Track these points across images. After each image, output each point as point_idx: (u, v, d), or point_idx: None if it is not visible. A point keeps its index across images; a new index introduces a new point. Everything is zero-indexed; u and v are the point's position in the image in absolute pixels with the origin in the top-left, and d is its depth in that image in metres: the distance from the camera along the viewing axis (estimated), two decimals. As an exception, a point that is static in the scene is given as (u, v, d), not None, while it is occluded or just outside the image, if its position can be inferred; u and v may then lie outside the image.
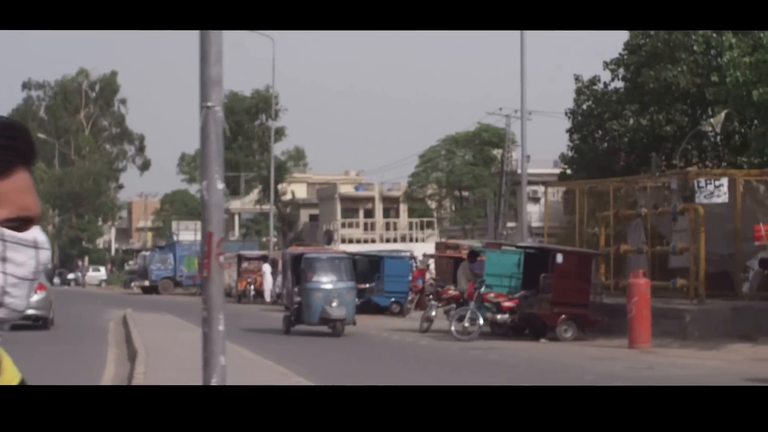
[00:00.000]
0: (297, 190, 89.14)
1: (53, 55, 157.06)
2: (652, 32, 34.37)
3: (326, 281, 28.46)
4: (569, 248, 28.44)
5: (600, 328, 27.19)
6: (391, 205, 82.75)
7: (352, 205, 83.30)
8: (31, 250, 1.89)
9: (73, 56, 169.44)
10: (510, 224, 63.00)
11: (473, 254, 30.13)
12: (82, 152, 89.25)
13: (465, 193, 70.77)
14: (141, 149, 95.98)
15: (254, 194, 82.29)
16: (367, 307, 37.97)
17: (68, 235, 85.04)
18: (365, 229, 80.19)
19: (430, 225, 77.43)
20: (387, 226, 79.53)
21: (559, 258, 26.81)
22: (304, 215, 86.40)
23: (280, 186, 79.80)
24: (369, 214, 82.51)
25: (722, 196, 26.03)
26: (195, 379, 9.39)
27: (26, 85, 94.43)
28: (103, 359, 22.04)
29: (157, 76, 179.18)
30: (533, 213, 60.89)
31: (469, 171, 68.11)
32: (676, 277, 27.39)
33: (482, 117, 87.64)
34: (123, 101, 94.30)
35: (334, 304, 27.83)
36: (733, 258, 28.35)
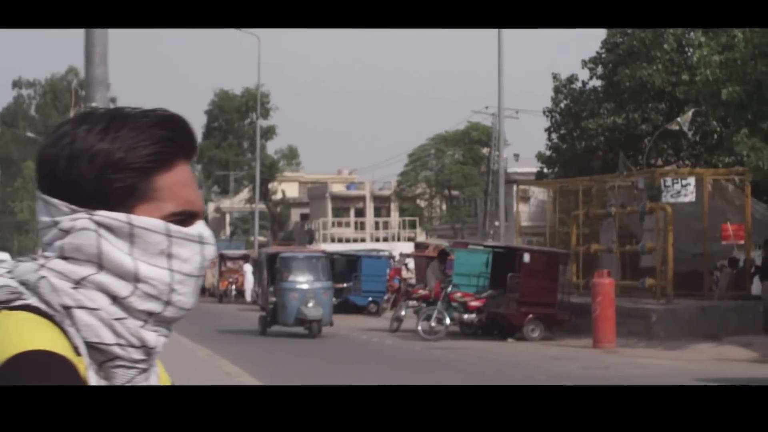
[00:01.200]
0: (289, 189, 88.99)
1: (44, 54, 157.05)
2: (629, 30, 34.26)
3: (302, 281, 27.89)
4: (536, 248, 28.36)
5: (569, 328, 27.12)
6: (382, 204, 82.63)
7: (343, 204, 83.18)
8: (197, 245, 1.81)
9: (63, 55, 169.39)
10: (498, 223, 62.90)
11: (443, 254, 30.03)
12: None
13: (455, 192, 70.67)
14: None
15: (244, 193, 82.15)
16: (344, 306, 37.90)
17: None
18: (356, 228, 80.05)
19: (413, 225, 77.24)
20: (377, 225, 79.35)
21: (526, 258, 26.72)
22: (295, 214, 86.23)
23: (270, 185, 79.71)
24: (360, 213, 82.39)
25: (689, 195, 25.90)
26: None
27: (17, 84, 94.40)
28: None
29: (149, 74, 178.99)
30: (523, 212, 60.82)
31: (458, 170, 68.03)
32: (646, 277, 27.27)
33: (471, 115, 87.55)
34: (113, 100, 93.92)
35: (310, 304, 27.26)
36: (702, 257, 28.24)
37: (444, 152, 69.66)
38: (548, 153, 37.92)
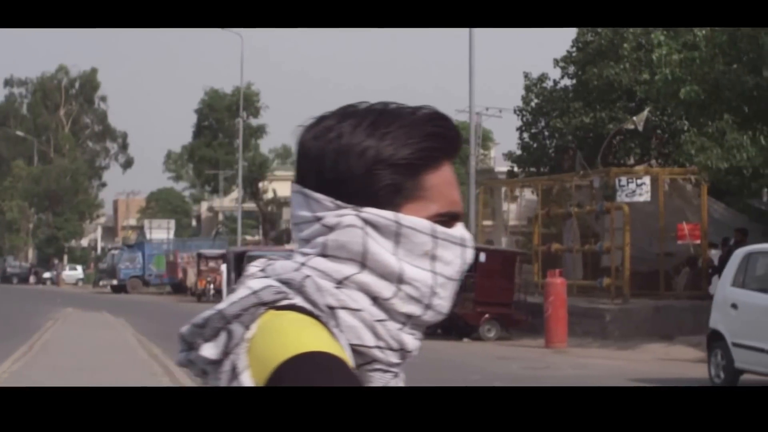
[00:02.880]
0: (283, 188, 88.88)
1: (34, 52, 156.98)
2: (599, 29, 34.18)
3: None
4: (492, 247, 28.28)
5: (526, 328, 27.04)
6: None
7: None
8: (459, 248, 1.76)
9: (55, 53, 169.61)
10: (487, 222, 62.83)
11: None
12: (62, 150, 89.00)
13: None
14: (124, 147, 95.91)
15: (235, 192, 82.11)
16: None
17: (45, 233, 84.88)
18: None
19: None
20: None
21: (482, 257, 26.61)
22: (287, 213, 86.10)
23: (261, 184, 79.63)
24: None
25: (644, 195, 25.83)
26: (65, 380, 9.23)
27: (8, 82, 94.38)
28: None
29: (141, 73, 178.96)
30: (512, 211, 60.71)
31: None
32: (603, 276, 27.21)
33: (454, 114, 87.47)
34: (103, 98, 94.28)
35: None
36: (666, 257, 28.17)
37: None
38: (518, 152, 37.83)
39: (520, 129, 37.66)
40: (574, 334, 26.04)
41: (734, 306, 17.04)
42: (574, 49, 36.18)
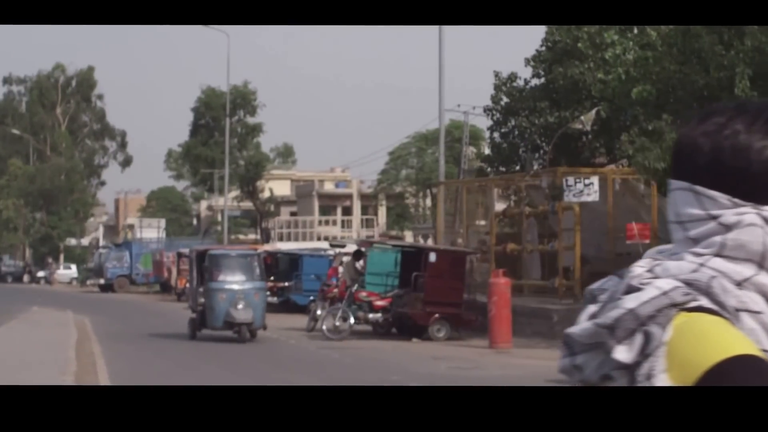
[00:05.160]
0: (281, 187, 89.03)
1: (32, 50, 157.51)
2: (566, 28, 34.07)
3: (232, 281, 26.01)
4: (442, 247, 28.23)
5: (476, 327, 26.93)
6: (369, 203, 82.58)
7: (330, 203, 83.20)
8: None
9: (51, 51, 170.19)
10: (480, 222, 62.74)
11: (358, 253, 29.89)
12: (59, 148, 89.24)
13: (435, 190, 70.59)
14: (123, 145, 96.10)
15: (232, 192, 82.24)
16: (286, 306, 37.89)
17: (39, 232, 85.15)
18: (343, 226, 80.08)
19: (398, 222, 77.19)
20: (363, 223, 79.40)
21: (432, 257, 26.58)
22: (284, 212, 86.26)
23: (258, 183, 79.76)
24: (347, 211, 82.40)
25: (592, 195, 25.76)
26: None
27: (7, 81, 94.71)
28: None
29: (140, 71, 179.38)
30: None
31: (438, 168, 67.81)
32: (554, 277, 27.15)
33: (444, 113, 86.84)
34: (100, 97, 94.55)
35: (240, 306, 25.44)
36: (623, 256, 28.06)
37: (425, 150, 69.50)
38: (487, 152, 37.78)
39: (490, 128, 37.61)
40: (523, 334, 25.98)
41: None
42: (544, 48, 36.10)
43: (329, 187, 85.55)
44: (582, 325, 1.70)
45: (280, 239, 74.50)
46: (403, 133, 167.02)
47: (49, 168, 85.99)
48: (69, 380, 16.52)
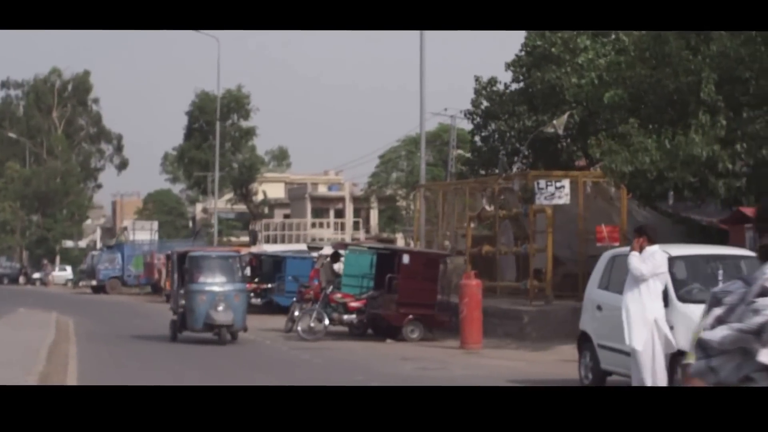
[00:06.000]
0: (276, 189, 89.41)
1: (30, 54, 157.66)
2: (541, 33, 34.42)
3: (212, 283, 26.06)
4: (416, 249, 28.59)
5: (450, 328, 27.28)
6: (362, 206, 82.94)
7: (323, 205, 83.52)
8: None
9: (48, 56, 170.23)
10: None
11: (335, 255, 30.28)
12: (55, 152, 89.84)
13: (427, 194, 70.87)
14: (119, 149, 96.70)
15: (228, 194, 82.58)
16: (269, 307, 38.25)
17: (35, 234, 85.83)
18: (336, 229, 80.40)
19: (389, 224, 77.47)
20: (356, 226, 79.75)
21: (406, 259, 26.97)
22: (278, 215, 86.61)
23: (251, 186, 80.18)
24: (340, 214, 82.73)
25: (563, 198, 26.10)
26: None
27: (5, 84, 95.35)
28: None
29: (138, 75, 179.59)
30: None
31: (428, 171, 68.16)
32: (526, 279, 27.49)
33: (430, 117, 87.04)
34: (96, 100, 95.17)
35: (220, 308, 25.51)
36: (595, 258, 28.36)
37: (414, 153, 69.81)
38: (468, 155, 38.13)
39: (471, 132, 37.95)
40: (494, 335, 26.34)
41: (599, 308, 17.31)
42: (523, 53, 36.44)
43: (323, 190, 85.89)
44: (721, 331, 1.61)
45: (274, 241, 74.95)
46: (398, 136, 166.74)
47: (44, 171, 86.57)
48: (32, 380, 16.80)
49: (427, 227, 35.55)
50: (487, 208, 29.25)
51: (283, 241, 74.59)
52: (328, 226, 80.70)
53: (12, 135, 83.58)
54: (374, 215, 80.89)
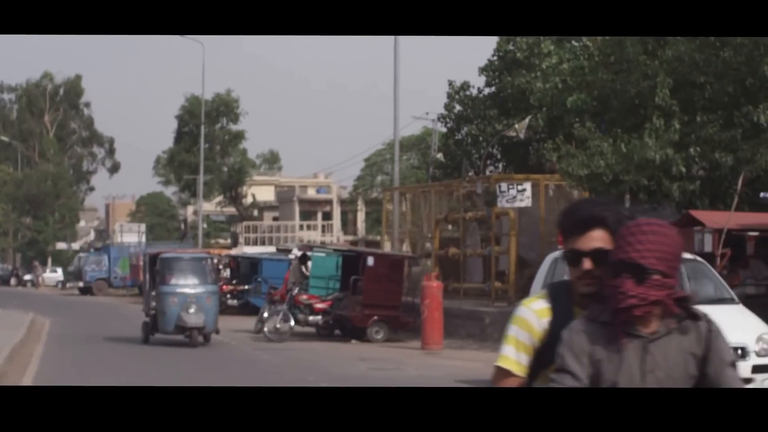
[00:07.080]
0: (265, 192, 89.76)
1: (22, 59, 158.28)
2: (506, 38, 34.83)
3: (183, 285, 25.98)
4: (380, 251, 28.97)
5: (414, 329, 27.65)
6: (349, 208, 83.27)
7: (311, 208, 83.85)
8: None
9: (39, 60, 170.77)
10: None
11: (304, 256, 30.66)
12: (47, 155, 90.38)
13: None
14: (111, 152, 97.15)
15: (217, 197, 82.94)
16: (246, 308, 38.61)
17: (27, 236, 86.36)
18: (323, 231, 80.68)
19: (375, 226, 77.63)
20: (349, 228, 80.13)
21: (370, 261, 27.34)
22: (268, 218, 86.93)
23: (240, 189, 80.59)
24: (328, 216, 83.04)
25: (525, 201, 26.48)
26: None
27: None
28: None
29: (129, 80, 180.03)
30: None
31: (412, 174, 68.60)
32: (489, 281, 27.88)
33: (411, 122, 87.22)
34: (87, 104, 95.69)
35: (191, 310, 25.47)
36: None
37: (399, 157, 70.13)
38: (439, 158, 38.54)
39: (445, 136, 38.35)
40: (457, 336, 26.75)
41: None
42: (495, 58, 36.86)
43: (312, 192, 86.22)
44: None
45: (263, 243, 75.30)
46: (386, 138, 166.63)
47: (36, 174, 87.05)
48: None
49: (412, 229, 36.01)
50: (452, 211, 29.64)
51: (271, 243, 74.90)
52: (316, 228, 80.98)
53: (4, 138, 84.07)
54: (361, 217, 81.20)
